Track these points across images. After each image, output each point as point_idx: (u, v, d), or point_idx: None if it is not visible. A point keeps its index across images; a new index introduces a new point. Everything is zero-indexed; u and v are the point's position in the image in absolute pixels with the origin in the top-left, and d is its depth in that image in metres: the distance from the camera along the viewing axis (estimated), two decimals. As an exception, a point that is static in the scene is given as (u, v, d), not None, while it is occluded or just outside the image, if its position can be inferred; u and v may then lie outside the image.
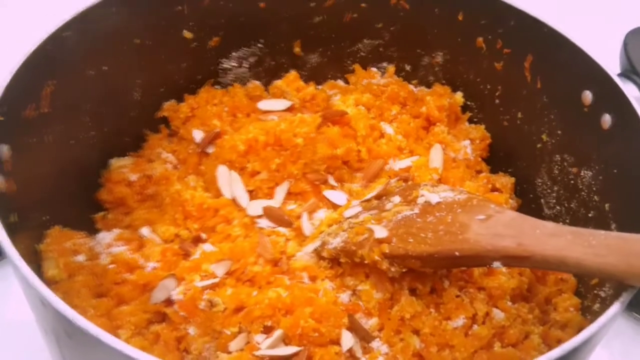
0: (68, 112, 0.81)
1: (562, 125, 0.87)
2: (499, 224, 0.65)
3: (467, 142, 0.97)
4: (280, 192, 0.85)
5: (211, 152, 0.90)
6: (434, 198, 0.74)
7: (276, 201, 0.84)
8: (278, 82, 0.97)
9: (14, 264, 0.57)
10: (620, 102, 0.76)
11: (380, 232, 0.72)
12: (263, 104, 0.94)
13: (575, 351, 0.52)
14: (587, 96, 0.81)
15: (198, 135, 0.92)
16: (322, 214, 0.84)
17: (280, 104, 0.93)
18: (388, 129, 0.93)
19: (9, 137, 0.71)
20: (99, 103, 0.86)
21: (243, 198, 0.84)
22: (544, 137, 0.90)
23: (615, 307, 0.55)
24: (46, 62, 0.76)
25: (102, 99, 0.87)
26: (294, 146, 0.85)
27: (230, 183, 0.85)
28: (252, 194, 0.86)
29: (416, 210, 0.74)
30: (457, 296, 0.76)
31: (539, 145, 0.92)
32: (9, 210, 0.68)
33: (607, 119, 0.78)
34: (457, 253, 0.65)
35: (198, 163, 0.91)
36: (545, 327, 0.76)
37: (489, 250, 0.63)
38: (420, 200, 0.75)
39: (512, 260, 0.62)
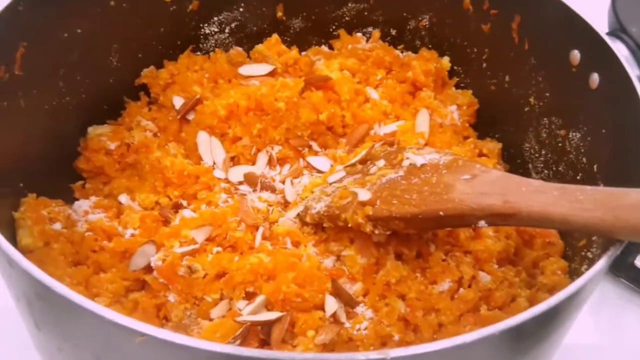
0: (41, 76, 0.79)
1: (550, 87, 0.86)
2: (484, 182, 0.64)
3: (454, 107, 0.95)
4: (262, 158, 0.83)
5: (192, 118, 0.88)
6: (419, 160, 0.72)
7: (258, 167, 0.83)
8: (259, 47, 0.95)
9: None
10: (608, 60, 0.74)
11: (364, 194, 0.70)
12: (244, 69, 0.91)
13: (561, 306, 0.51)
14: (576, 56, 0.79)
15: (178, 101, 0.90)
16: (305, 179, 0.82)
17: (262, 68, 0.91)
18: (373, 93, 0.91)
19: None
20: (73, 68, 0.84)
21: (224, 164, 0.82)
22: (531, 100, 0.89)
23: (602, 261, 0.54)
24: (18, 22, 0.73)
25: (77, 64, 0.84)
26: (276, 111, 0.83)
27: (210, 149, 0.83)
28: (234, 160, 0.84)
29: (401, 173, 0.72)
30: (443, 260, 0.74)
31: (526, 109, 0.90)
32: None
33: (595, 79, 0.76)
34: (441, 213, 0.64)
35: (179, 130, 0.89)
36: (533, 290, 0.75)
37: (474, 209, 0.61)
38: (405, 163, 0.73)
39: (497, 218, 0.61)
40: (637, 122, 0.68)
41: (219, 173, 0.82)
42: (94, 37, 0.84)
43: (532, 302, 0.74)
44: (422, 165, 0.71)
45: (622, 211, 0.53)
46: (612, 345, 0.95)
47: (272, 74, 0.91)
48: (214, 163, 0.83)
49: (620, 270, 1.01)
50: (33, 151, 0.80)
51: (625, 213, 0.53)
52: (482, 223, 0.62)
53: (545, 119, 0.87)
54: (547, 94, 0.86)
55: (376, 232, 0.69)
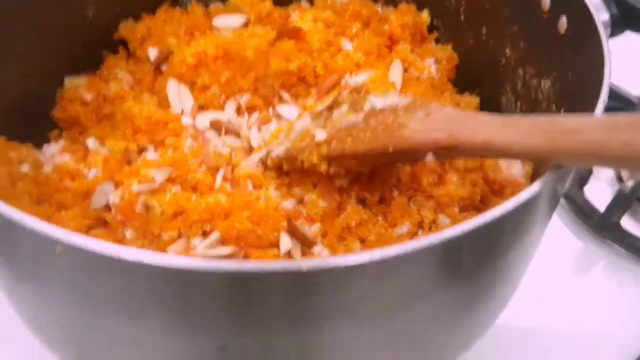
0: (11, 27, 0.80)
1: (524, 36, 0.84)
2: (436, 120, 0.63)
3: (432, 60, 0.94)
4: (231, 106, 0.83)
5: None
6: (380, 103, 0.72)
7: (225, 114, 0.83)
8: (233, -1, 0.95)
9: None
10: (576, 3, 0.73)
11: (321, 134, 0.70)
12: (217, 21, 0.92)
13: (489, 227, 0.50)
14: (546, 1, 0.78)
15: (153, 53, 0.90)
16: (273, 127, 0.82)
17: (235, 19, 0.91)
18: (347, 45, 0.91)
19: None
20: (47, 19, 0.84)
21: (192, 111, 0.83)
22: (507, 51, 0.88)
23: (536, 185, 0.53)
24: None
25: (51, 14, 0.85)
26: (243, 59, 0.83)
27: (179, 97, 0.84)
28: (204, 109, 0.85)
29: (361, 116, 0.72)
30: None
31: (503, 61, 0.89)
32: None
33: (563, 22, 0.75)
34: (390, 149, 0.64)
35: (153, 81, 0.90)
36: (495, 236, 0.74)
37: (421, 144, 0.61)
38: (367, 107, 0.73)
39: (442, 151, 0.61)
40: (598, 66, 0.66)
41: (186, 120, 0.82)
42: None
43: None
44: (382, 108, 0.71)
45: (559, 136, 0.52)
46: (599, 308, 0.94)
47: (245, 26, 0.91)
48: (182, 111, 0.84)
49: (606, 231, 1.00)
50: (7, 98, 0.81)
51: (561, 138, 0.52)
52: (429, 157, 0.62)
53: (520, 69, 0.86)
54: (522, 44, 0.85)
55: (330, 171, 0.69)
